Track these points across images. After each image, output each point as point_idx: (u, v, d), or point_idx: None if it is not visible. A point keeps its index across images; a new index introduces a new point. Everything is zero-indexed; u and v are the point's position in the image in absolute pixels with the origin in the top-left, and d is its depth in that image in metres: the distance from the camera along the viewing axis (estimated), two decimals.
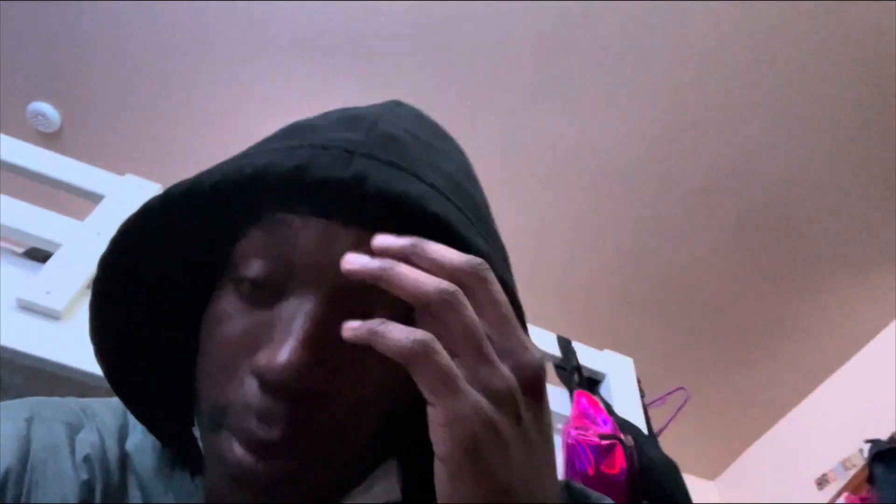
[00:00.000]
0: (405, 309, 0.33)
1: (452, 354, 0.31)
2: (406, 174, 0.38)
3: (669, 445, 1.23)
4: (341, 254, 0.34)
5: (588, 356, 1.35)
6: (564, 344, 1.33)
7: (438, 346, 0.30)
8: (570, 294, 2.22)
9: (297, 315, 0.35)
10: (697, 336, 2.27)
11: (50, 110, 2.05)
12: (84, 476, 0.41)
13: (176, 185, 0.39)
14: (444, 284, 0.31)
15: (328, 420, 0.37)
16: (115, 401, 0.50)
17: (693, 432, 2.47)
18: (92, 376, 0.90)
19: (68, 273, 0.99)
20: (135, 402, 0.44)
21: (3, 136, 1.15)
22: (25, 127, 2.00)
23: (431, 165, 0.40)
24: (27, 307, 0.94)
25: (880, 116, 1.77)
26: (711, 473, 2.65)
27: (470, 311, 0.31)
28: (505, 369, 0.32)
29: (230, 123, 1.96)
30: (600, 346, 1.39)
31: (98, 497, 0.41)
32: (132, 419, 0.47)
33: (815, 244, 2.06)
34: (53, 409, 0.45)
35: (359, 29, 1.76)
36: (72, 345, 0.93)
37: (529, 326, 0.43)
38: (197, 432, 0.43)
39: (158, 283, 0.44)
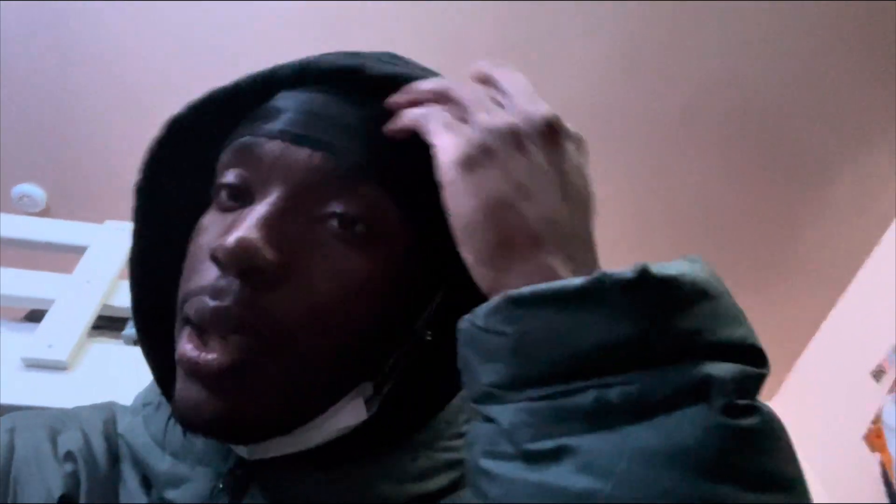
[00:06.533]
0: (362, 207, 0.37)
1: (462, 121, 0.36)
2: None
3: None
4: (302, 156, 0.37)
5: None
6: None
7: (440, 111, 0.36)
8: None
9: (258, 206, 0.37)
10: (712, 263, 2.23)
11: (35, 190, 2.07)
12: (68, 468, 0.41)
13: (209, 93, 0.41)
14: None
15: (283, 304, 0.35)
16: (100, 403, 0.51)
17: None
18: None
19: (66, 324, 1.00)
20: (152, 357, 0.45)
21: None
22: (13, 210, 2.03)
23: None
24: (33, 364, 0.94)
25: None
26: (765, 396, 2.61)
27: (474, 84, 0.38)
28: (506, 114, 0.35)
29: None
30: None
31: (84, 487, 0.41)
32: (118, 411, 0.49)
33: (811, 137, 2.02)
34: (35, 417, 0.46)
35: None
36: (83, 391, 0.93)
37: None
38: None
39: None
